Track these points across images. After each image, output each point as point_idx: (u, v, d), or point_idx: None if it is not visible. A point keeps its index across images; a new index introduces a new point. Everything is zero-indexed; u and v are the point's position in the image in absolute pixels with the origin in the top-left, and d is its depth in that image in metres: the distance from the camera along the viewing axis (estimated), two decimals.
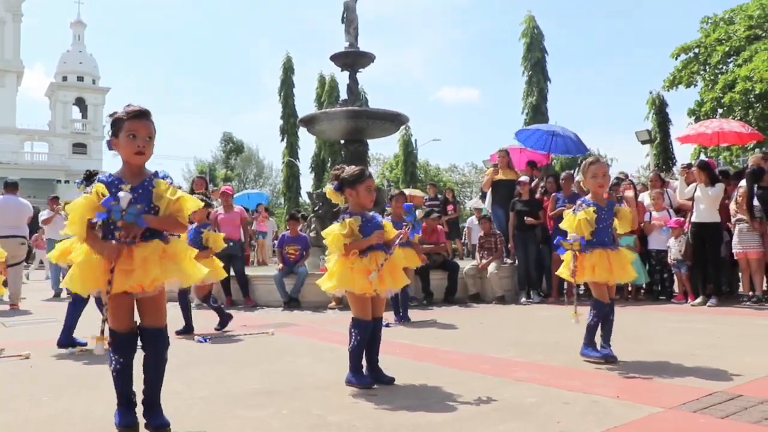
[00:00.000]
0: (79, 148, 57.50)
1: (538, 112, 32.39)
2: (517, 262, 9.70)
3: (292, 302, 8.76)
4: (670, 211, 9.16)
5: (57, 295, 11.41)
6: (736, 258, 8.21)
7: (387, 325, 6.74)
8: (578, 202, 4.52)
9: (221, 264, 6.45)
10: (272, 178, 58.82)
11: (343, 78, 13.63)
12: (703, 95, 22.73)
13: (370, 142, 12.81)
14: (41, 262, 20.99)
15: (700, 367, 4.06)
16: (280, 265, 9.20)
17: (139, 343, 2.94)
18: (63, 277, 12.01)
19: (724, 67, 22.96)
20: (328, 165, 37.92)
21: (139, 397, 2.94)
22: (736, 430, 2.78)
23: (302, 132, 34.19)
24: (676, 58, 24.29)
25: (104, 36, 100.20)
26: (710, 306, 7.89)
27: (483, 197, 12.75)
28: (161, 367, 2.94)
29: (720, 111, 21.35)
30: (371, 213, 4.01)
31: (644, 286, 9.38)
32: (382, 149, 65.47)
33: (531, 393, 3.51)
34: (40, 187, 52.67)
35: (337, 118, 11.54)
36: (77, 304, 5.74)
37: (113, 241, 2.76)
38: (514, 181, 10.17)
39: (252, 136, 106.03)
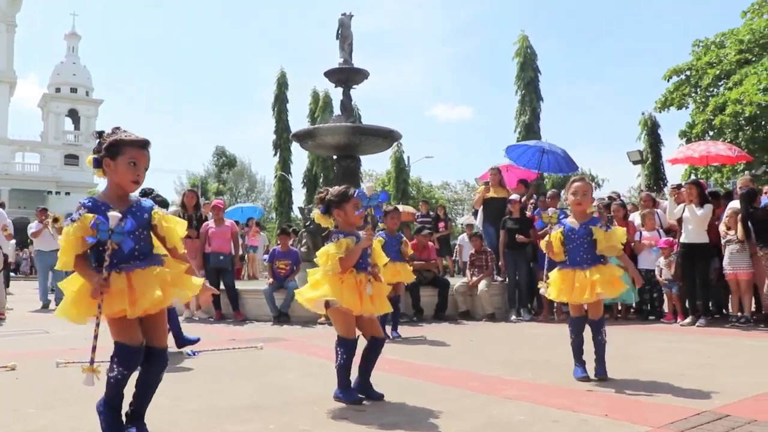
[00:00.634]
0: (71, 159, 57.41)
1: (530, 130, 32.57)
2: (507, 279, 9.71)
3: (281, 317, 8.73)
4: (660, 231, 9.21)
5: (45, 307, 11.33)
6: (726, 279, 8.24)
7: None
8: (557, 226, 4.56)
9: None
10: (264, 192, 58.79)
11: (337, 94, 13.71)
12: (695, 117, 22.94)
13: (362, 158, 12.83)
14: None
15: (688, 387, 4.06)
16: (271, 279, 9.18)
17: None
18: (52, 288, 11.94)
19: (715, 90, 23.19)
20: (321, 180, 37.92)
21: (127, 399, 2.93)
22: None
23: (295, 147, 34.18)
24: (668, 80, 24.54)
25: (98, 48, 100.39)
26: (699, 326, 7.92)
27: (475, 215, 12.79)
28: (155, 386, 2.95)
29: (711, 133, 21.53)
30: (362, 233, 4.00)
31: (634, 305, 9.41)
32: (375, 165, 65.66)
33: (520, 411, 3.50)
34: (30, 198, 52.46)
35: (330, 134, 11.57)
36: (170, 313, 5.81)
37: (99, 275, 2.72)
38: (506, 199, 10.21)
39: (245, 150, 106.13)
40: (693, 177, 18.50)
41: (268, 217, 46.24)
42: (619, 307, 9.29)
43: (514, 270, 9.49)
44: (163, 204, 6.27)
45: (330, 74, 12.10)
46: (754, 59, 21.64)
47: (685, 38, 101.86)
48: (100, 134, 2.96)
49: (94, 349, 2.80)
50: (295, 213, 36.90)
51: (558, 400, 3.75)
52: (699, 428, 3.08)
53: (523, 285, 9.48)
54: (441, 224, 14.91)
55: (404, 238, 7.34)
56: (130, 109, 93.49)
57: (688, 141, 21.05)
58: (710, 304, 8.74)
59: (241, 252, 14.09)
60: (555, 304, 9.07)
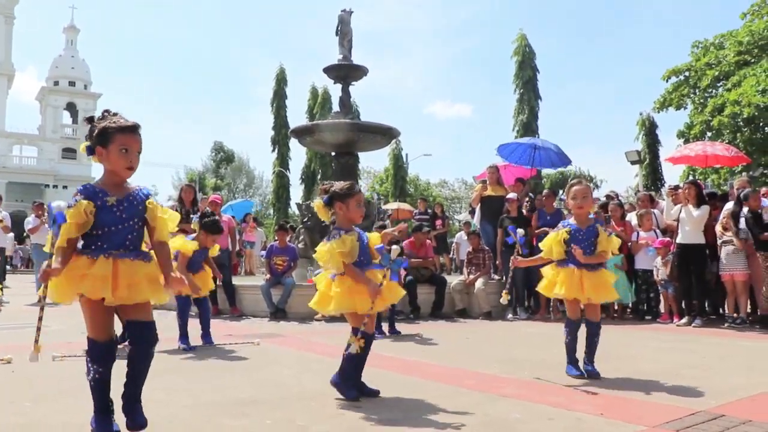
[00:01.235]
0: (69, 153, 57.26)
1: (528, 129, 32.62)
2: (504, 278, 9.71)
3: (278, 313, 8.73)
4: (657, 231, 9.22)
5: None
6: (722, 280, 8.26)
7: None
8: (559, 224, 4.68)
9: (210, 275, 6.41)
10: (262, 188, 58.75)
11: (335, 90, 13.71)
12: (693, 118, 23.00)
13: (360, 155, 12.84)
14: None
15: (684, 387, 4.07)
16: (268, 275, 9.18)
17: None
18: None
19: (714, 91, 23.26)
20: (319, 176, 37.96)
21: (118, 400, 2.92)
22: None
23: (293, 143, 34.22)
24: (667, 81, 24.60)
25: (97, 42, 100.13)
26: (695, 326, 7.93)
27: (472, 213, 12.80)
28: (148, 361, 2.89)
29: (709, 134, 21.59)
30: (358, 230, 4.00)
31: (630, 305, 9.42)
32: (373, 162, 65.63)
33: (516, 409, 3.51)
34: (27, 192, 52.36)
35: (328, 130, 11.56)
36: (183, 308, 6.16)
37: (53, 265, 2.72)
38: (503, 198, 10.21)
39: (243, 145, 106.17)
40: (691, 178, 18.54)
41: (265, 213, 46.25)
42: (616, 307, 9.30)
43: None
44: (214, 224, 6.16)
45: (329, 71, 12.10)
46: (753, 61, 21.70)
47: (684, 39, 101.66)
48: (91, 120, 2.95)
49: (38, 329, 2.87)
50: (293, 209, 36.91)
51: (553, 398, 3.76)
52: (694, 428, 3.09)
53: (520, 284, 9.48)
54: (438, 222, 14.91)
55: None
56: (128, 103, 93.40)
57: (686, 141, 21.10)
58: (706, 305, 8.75)
59: (238, 248, 14.09)
60: (551, 303, 9.09)
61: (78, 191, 2.87)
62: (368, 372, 3.96)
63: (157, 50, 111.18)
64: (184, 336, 6.07)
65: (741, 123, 20.53)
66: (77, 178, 53.98)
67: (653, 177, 28.73)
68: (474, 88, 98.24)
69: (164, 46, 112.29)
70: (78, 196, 2.82)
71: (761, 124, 20.70)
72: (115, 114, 2.95)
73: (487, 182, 10.79)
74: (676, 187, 9.28)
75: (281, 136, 38.76)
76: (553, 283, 4.55)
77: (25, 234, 22.27)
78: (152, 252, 2.98)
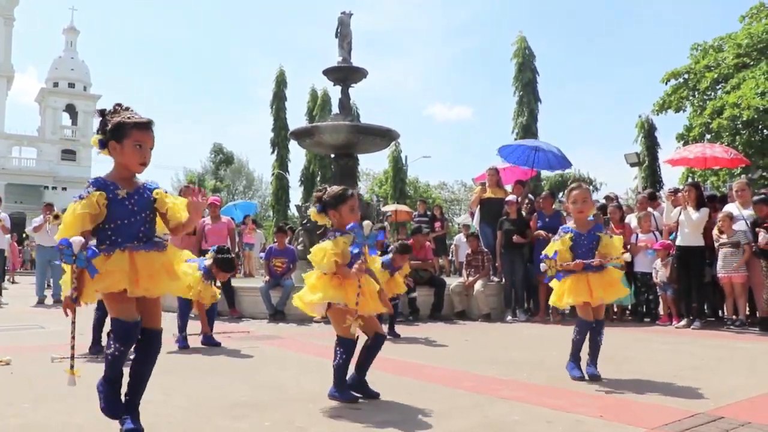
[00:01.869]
0: (68, 154, 57.25)
1: (528, 132, 32.61)
2: (503, 280, 9.72)
3: (277, 314, 8.73)
4: (656, 233, 9.23)
5: (41, 302, 11.31)
6: (720, 282, 8.26)
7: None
8: (560, 229, 4.66)
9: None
10: (261, 190, 58.71)
11: (335, 92, 13.70)
12: (692, 120, 23.01)
13: (360, 157, 12.85)
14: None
15: (683, 389, 4.08)
16: (267, 277, 9.18)
17: None
18: (49, 285, 11.94)
19: (713, 94, 23.28)
20: (318, 178, 37.91)
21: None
22: None
23: (293, 145, 34.24)
24: (666, 83, 24.61)
25: (97, 43, 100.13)
26: (694, 329, 7.94)
27: (472, 216, 12.80)
28: (150, 368, 2.95)
29: (708, 136, 21.59)
30: (356, 231, 3.99)
31: (629, 307, 9.43)
32: (372, 164, 65.63)
33: (515, 411, 3.51)
34: (27, 193, 52.37)
35: (328, 132, 11.56)
36: (184, 309, 6.25)
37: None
38: (503, 200, 10.22)
39: (242, 147, 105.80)
40: (691, 180, 18.55)
41: (265, 215, 46.21)
42: (615, 309, 9.30)
43: (511, 270, 9.50)
44: (226, 262, 6.23)
45: (329, 73, 12.10)
46: (752, 63, 21.72)
47: (683, 41, 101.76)
48: (103, 113, 2.95)
49: (72, 351, 2.81)
50: (292, 211, 36.88)
51: (553, 400, 3.76)
52: (693, 430, 3.09)
53: (519, 285, 9.49)
54: (437, 224, 14.91)
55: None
56: (127, 104, 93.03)
57: (686, 144, 21.09)
58: (705, 307, 8.76)
59: (237, 249, 14.08)
60: (550, 306, 9.08)
61: (89, 183, 2.89)
62: (368, 373, 3.96)
63: (156, 52, 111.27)
64: (182, 337, 6.13)
65: (740, 126, 20.55)
66: (77, 180, 53.93)
67: (652, 179, 28.72)
68: (474, 90, 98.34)
69: (164, 47, 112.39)
70: (90, 188, 2.84)
71: (760, 126, 20.72)
72: (127, 108, 2.97)
73: (487, 184, 10.79)
74: (676, 190, 9.29)
75: (281, 137, 38.72)
76: (561, 293, 4.52)
77: (24, 235, 22.32)
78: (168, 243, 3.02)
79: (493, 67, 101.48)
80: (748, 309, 8.37)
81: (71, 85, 58.61)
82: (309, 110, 39.22)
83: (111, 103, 3.03)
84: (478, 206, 10.87)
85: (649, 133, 29.51)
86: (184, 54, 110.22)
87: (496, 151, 11.89)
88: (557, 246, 4.50)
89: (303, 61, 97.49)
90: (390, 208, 19.25)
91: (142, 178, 3.06)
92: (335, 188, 3.99)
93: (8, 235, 12.59)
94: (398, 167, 38.30)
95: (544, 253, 4.60)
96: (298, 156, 41.62)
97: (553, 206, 9.84)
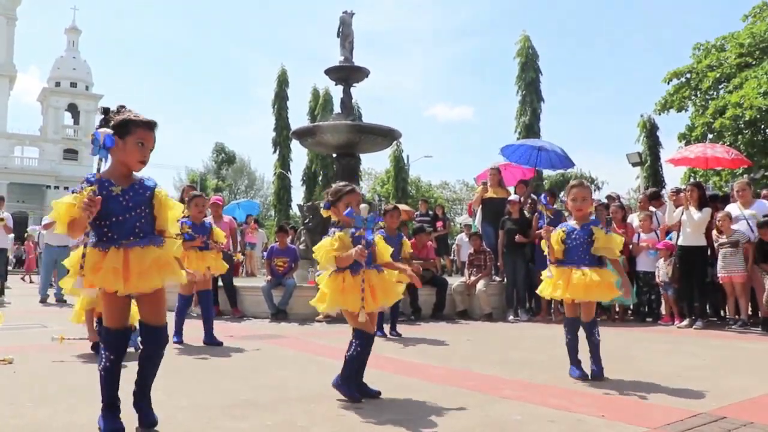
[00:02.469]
0: (70, 154, 57.33)
1: (530, 131, 32.53)
2: (505, 279, 9.72)
3: (279, 314, 8.73)
4: (658, 232, 9.22)
5: (43, 301, 11.32)
6: (720, 282, 8.24)
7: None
8: (559, 225, 4.70)
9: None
10: (263, 189, 58.75)
11: (337, 91, 13.69)
12: (694, 120, 22.97)
13: (362, 156, 12.85)
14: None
15: (685, 389, 4.07)
16: (269, 276, 9.18)
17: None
18: (52, 284, 11.94)
19: (715, 93, 23.24)
20: (320, 178, 37.89)
21: (127, 399, 2.94)
22: None
23: (295, 144, 34.21)
24: (668, 83, 24.57)
25: (99, 43, 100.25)
26: (696, 329, 7.93)
27: (472, 215, 12.79)
28: (157, 362, 3.03)
29: (710, 136, 21.57)
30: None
31: (631, 307, 9.42)
32: (374, 164, 65.58)
33: (516, 411, 3.50)
34: (29, 193, 52.47)
35: (329, 132, 11.55)
36: (182, 308, 6.43)
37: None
38: (504, 199, 10.21)
39: (244, 147, 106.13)
40: (693, 180, 18.54)
41: (267, 215, 46.23)
42: (617, 309, 9.30)
43: (513, 270, 9.49)
44: None
45: (330, 72, 12.10)
46: (754, 63, 21.69)
47: (685, 41, 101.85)
48: (106, 111, 2.99)
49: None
50: (294, 210, 36.88)
51: (555, 400, 3.76)
52: (695, 430, 3.09)
53: (521, 285, 9.49)
54: (439, 223, 14.88)
55: (404, 238, 7.31)
56: (129, 104, 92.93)
57: (688, 144, 21.07)
58: (707, 307, 8.75)
59: (239, 249, 14.08)
60: (553, 305, 9.09)
61: (85, 179, 2.91)
62: (369, 373, 3.96)
63: (158, 51, 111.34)
64: (178, 333, 6.27)
65: (742, 125, 20.52)
66: (79, 179, 53.26)
67: (654, 179, 28.65)
68: (475, 90, 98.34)
69: (165, 47, 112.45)
70: (83, 184, 2.87)
71: (762, 126, 20.69)
72: (130, 110, 3.00)
73: (488, 184, 10.78)
74: (678, 190, 9.27)
75: (282, 137, 38.70)
76: (549, 284, 4.57)
77: (26, 234, 22.33)
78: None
79: (494, 67, 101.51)
80: (750, 309, 8.36)
81: (73, 85, 58.68)
82: (311, 110, 39.20)
83: (113, 102, 3.06)
84: (480, 205, 10.87)
85: (651, 132, 29.44)
86: (186, 54, 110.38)
87: (497, 150, 11.92)
88: (552, 239, 4.54)
89: (304, 60, 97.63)
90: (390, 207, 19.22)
91: (148, 174, 3.10)
92: (338, 184, 4.06)
93: (11, 235, 12.61)
94: (400, 167, 38.28)
95: (542, 247, 4.70)
96: (300, 155, 41.69)
97: (555, 205, 9.81)
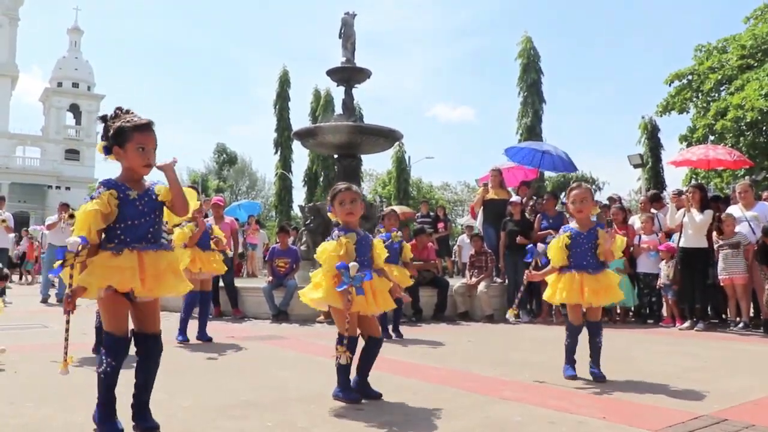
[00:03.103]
0: (72, 154, 57.40)
1: (532, 132, 32.48)
2: (507, 281, 9.71)
3: (280, 315, 8.72)
4: (659, 234, 9.21)
5: (44, 301, 11.32)
6: (721, 284, 8.23)
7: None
8: (561, 229, 4.71)
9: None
10: (265, 190, 58.77)
11: (338, 92, 13.67)
12: (696, 122, 22.94)
13: (363, 157, 12.84)
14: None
15: (686, 391, 4.07)
16: (270, 277, 9.18)
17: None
18: (54, 284, 11.91)
19: (717, 95, 23.19)
20: (321, 179, 37.88)
21: (126, 402, 2.94)
22: None
23: (296, 145, 34.19)
24: (670, 85, 24.54)
25: (101, 43, 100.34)
26: (698, 330, 7.92)
27: (474, 216, 12.78)
28: (154, 371, 3.03)
29: (712, 138, 21.52)
30: (364, 232, 4.01)
31: (633, 308, 9.41)
32: (375, 165, 65.60)
33: (517, 412, 3.50)
34: (31, 193, 52.52)
35: (331, 133, 11.55)
36: (189, 304, 6.44)
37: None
38: (506, 201, 10.20)
39: (245, 147, 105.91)
40: (694, 181, 18.52)
41: (268, 216, 46.23)
42: (618, 311, 9.29)
43: (514, 272, 9.48)
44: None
45: (332, 73, 12.08)
46: (756, 65, 21.66)
47: (687, 43, 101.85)
48: (104, 119, 3.00)
49: (66, 343, 2.93)
50: (296, 211, 36.87)
51: (555, 401, 3.75)
52: None
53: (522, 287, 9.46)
54: (441, 225, 14.90)
55: (404, 242, 7.30)
56: (131, 105, 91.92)
57: (689, 145, 21.06)
58: (709, 309, 8.74)
59: (240, 249, 14.09)
60: (554, 307, 9.07)
61: (100, 184, 2.95)
62: (370, 374, 3.96)
63: (160, 52, 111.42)
64: (183, 331, 6.34)
65: (744, 127, 20.48)
66: (80, 180, 54.11)
67: (655, 181, 28.64)
68: (477, 92, 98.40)
69: (167, 47, 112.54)
70: (101, 188, 2.89)
71: (764, 128, 20.65)
72: (127, 111, 3.02)
73: (490, 185, 10.78)
74: (680, 192, 9.26)
75: (284, 138, 38.68)
76: (555, 289, 4.57)
77: (26, 232, 22.31)
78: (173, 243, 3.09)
79: (496, 68, 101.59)
80: (752, 311, 8.35)
81: (75, 85, 58.76)
82: (312, 110, 39.19)
83: (115, 102, 3.07)
84: (482, 207, 10.86)
85: (652, 134, 29.44)
86: (188, 54, 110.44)
87: (498, 151, 11.95)
88: (553, 245, 4.55)
89: (305, 62, 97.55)
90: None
91: (149, 178, 3.10)
92: (335, 185, 4.08)
93: (12, 235, 12.62)
94: (402, 168, 38.26)
95: (539, 248, 4.75)
96: (301, 156, 41.71)
97: (556, 207, 9.81)
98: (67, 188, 52.97)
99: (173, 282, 2.98)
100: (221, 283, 9.07)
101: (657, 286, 8.89)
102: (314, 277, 3.94)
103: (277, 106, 39.94)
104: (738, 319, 8.09)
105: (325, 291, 3.77)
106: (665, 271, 8.70)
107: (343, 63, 11.95)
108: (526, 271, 4.81)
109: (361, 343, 3.92)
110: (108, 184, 2.92)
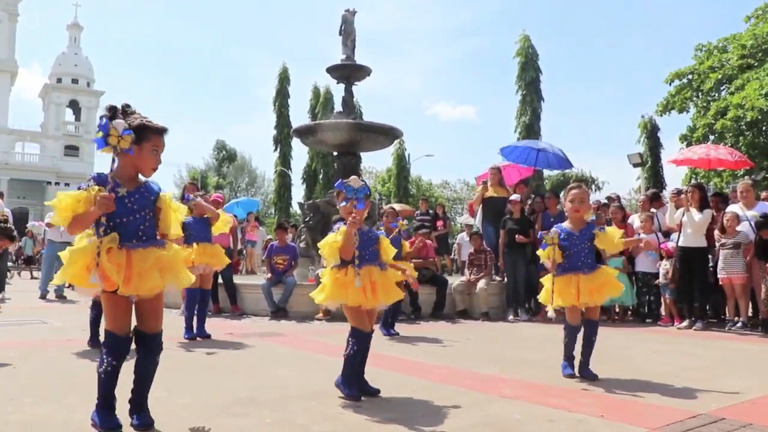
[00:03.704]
0: (71, 150, 57.32)
1: (531, 131, 32.48)
2: (506, 279, 9.71)
3: (279, 312, 8.73)
4: (659, 234, 9.21)
5: (43, 297, 11.32)
6: (720, 283, 8.23)
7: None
8: (554, 227, 4.67)
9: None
10: (264, 187, 58.74)
11: (338, 89, 13.67)
12: (696, 121, 22.93)
13: (363, 155, 12.83)
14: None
15: (684, 390, 4.07)
16: (269, 274, 9.18)
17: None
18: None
19: (717, 95, 23.18)
20: (320, 176, 37.88)
21: (125, 396, 2.95)
22: None
23: (295, 142, 34.21)
24: (670, 84, 24.52)
25: (100, 39, 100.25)
26: (696, 329, 7.92)
27: (472, 214, 12.77)
28: (153, 369, 3.03)
29: (711, 137, 21.51)
30: (367, 226, 4.03)
31: (631, 307, 9.41)
32: (375, 163, 65.58)
33: (516, 410, 3.51)
34: (30, 189, 52.46)
35: (331, 130, 11.55)
36: (191, 300, 6.50)
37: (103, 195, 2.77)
38: (505, 199, 10.20)
39: (245, 144, 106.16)
40: (694, 181, 18.53)
41: (267, 212, 46.22)
42: (617, 309, 9.29)
43: (514, 270, 9.48)
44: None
45: (332, 70, 12.08)
46: (756, 64, 21.65)
47: (687, 42, 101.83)
48: (113, 109, 2.89)
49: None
50: (295, 208, 36.87)
51: (554, 399, 3.76)
52: (694, 431, 3.09)
53: (521, 285, 9.48)
54: (440, 223, 14.88)
55: (403, 239, 7.31)
56: (130, 101, 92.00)
57: (689, 145, 21.05)
58: (707, 308, 8.74)
59: (239, 246, 14.08)
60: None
61: (91, 177, 2.93)
62: (368, 371, 3.97)
63: (160, 48, 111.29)
64: (189, 328, 6.41)
65: (744, 126, 20.48)
66: (79, 176, 53.96)
67: (655, 180, 28.64)
68: (477, 90, 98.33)
69: (167, 44, 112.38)
70: (90, 182, 2.88)
71: (764, 127, 20.65)
72: (133, 112, 2.98)
73: (489, 183, 10.77)
74: (679, 192, 9.26)
75: (283, 135, 38.68)
76: (550, 292, 4.55)
77: (27, 230, 22.31)
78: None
79: (497, 66, 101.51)
80: (751, 310, 8.35)
81: (74, 81, 58.67)
82: (311, 108, 39.17)
83: (114, 99, 3.07)
84: (481, 205, 10.86)
85: (652, 133, 29.43)
86: (187, 51, 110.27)
87: (498, 150, 11.87)
88: (548, 249, 4.54)
89: (304, 60, 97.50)
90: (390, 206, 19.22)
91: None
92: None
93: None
94: (402, 165, 38.25)
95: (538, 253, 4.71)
96: (300, 153, 41.73)
97: (557, 206, 9.81)
98: (66, 184, 52.84)
99: (157, 279, 2.90)
100: (220, 280, 9.07)
101: (655, 285, 8.90)
102: (323, 278, 3.97)
103: (277, 103, 39.93)
104: (736, 318, 8.10)
105: (330, 290, 3.80)
106: (664, 269, 8.70)
107: (344, 60, 11.94)
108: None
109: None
110: (98, 179, 2.88)
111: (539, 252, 4.70)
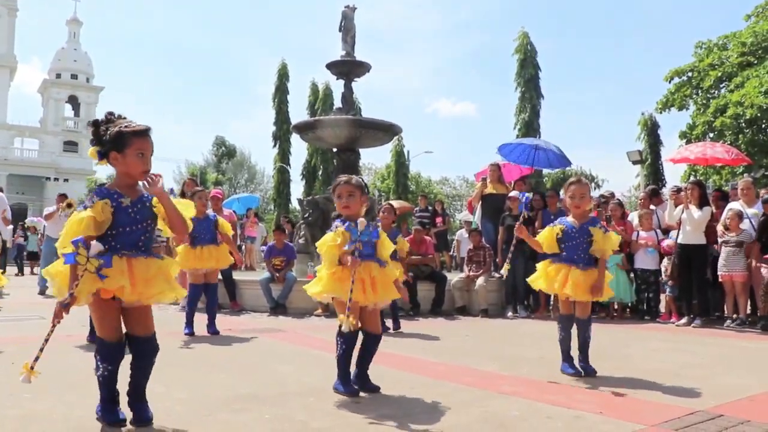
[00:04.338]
0: (70, 146, 57.25)
1: (530, 128, 32.42)
2: (505, 276, 9.70)
3: (278, 308, 8.73)
4: (658, 231, 9.22)
5: (42, 293, 11.31)
6: (721, 280, 8.24)
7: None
8: (558, 220, 4.72)
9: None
10: (263, 183, 58.68)
11: (337, 86, 13.65)
12: (695, 119, 22.92)
13: (362, 151, 12.80)
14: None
15: (683, 386, 4.08)
16: (268, 274, 9.16)
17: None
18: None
19: (716, 92, 23.18)
20: (320, 172, 37.82)
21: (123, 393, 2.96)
22: None
23: (295, 138, 34.06)
24: (670, 81, 24.51)
25: (100, 35, 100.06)
26: (695, 327, 7.93)
27: (471, 211, 12.76)
28: (149, 369, 3.03)
29: (711, 135, 21.52)
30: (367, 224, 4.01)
31: (630, 304, 9.42)
32: (375, 159, 65.49)
33: (514, 406, 3.51)
34: (28, 184, 52.41)
35: (330, 126, 11.53)
36: (193, 297, 6.50)
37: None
38: (504, 195, 10.20)
39: (244, 140, 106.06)
40: (693, 178, 18.52)
41: (266, 209, 46.18)
42: (615, 306, 9.30)
43: (512, 266, 9.47)
44: None
45: (332, 66, 12.06)
46: (756, 62, 21.65)
47: (687, 40, 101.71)
48: (96, 124, 2.94)
49: (41, 350, 2.91)
50: (294, 205, 36.85)
51: (552, 396, 3.76)
52: (693, 427, 3.09)
53: (520, 282, 9.47)
54: (439, 219, 14.89)
55: (400, 235, 7.30)
56: (130, 97, 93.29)
57: (688, 142, 21.03)
58: (707, 306, 8.74)
59: (238, 242, 14.07)
60: (551, 302, 9.09)
61: (93, 193, 2.92)
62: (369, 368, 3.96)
63: (159, 44, 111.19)
64: (189, 324, 6.40)
65: (743, 124, 20.49)
66: (78, 171, 54.03)
67: (655, 177, 28.59)
68: (477, 87, 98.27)
69: (167, 40, 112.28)
70: (94, 198, 2.87)
71: (764, 125, 20.66)
72: (119, 117, 2.97)
73: (488, 180, 10.77)
74: (679, 189, 9.26)
75: (282, 131, 38.60)
76: (539, 276, 4.61)
77: (27, 225, 22.30)
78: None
79: (497, 63, 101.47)
80: (749, 308, 8.36)
81: (74, 77, 58.55)
82: (310, 104, 39.10)
83: (113, 94, 3.08)
84: (480, 202, 10.86)
85: (651, 131, 29.38)
86: (187, 47, 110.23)
87: (497, 149, 11.84)
88: (546, 232, 4.59)
89: (303, 57, 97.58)
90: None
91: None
92: (337, 178, 4.10)
93: (10, 227, 12.58)
94: (401, 162, 38.19)
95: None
96: (299, 150, 41.58)
97: (558, 204, 9.80)
98: (65, 180, 52.84)
99: (164, 287, 2.95)
100: (219, 276, 9.05)
101: (659, 280, 8.92)
102: (319, 271, 3.95)
103: (276, 100, 39.83)
104: (735, 315, 8.11)
105: (326, 283, 3.78)
106: (665, 265, 8.72)
107: (343, 56, 11.92)
108: (517, 224, 4.76)
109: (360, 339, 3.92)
110: (101, 193, 2.89)
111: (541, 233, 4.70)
